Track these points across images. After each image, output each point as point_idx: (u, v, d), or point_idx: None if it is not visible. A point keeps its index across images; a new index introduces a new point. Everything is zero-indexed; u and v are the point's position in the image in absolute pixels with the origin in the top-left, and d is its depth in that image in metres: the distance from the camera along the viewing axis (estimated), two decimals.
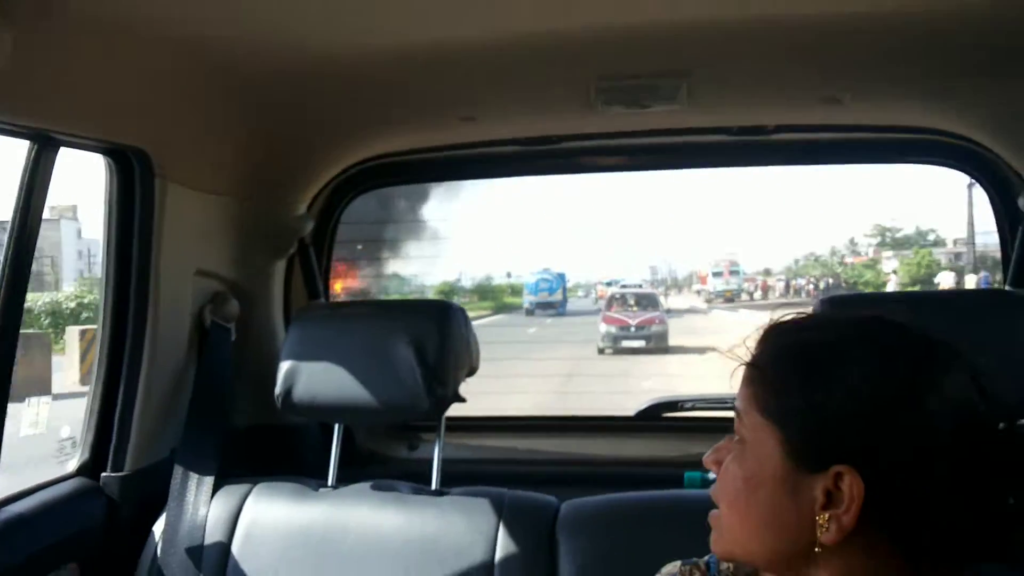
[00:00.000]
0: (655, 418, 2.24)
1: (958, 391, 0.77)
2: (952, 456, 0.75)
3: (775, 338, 0.86)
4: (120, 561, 1.57)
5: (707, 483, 1.27)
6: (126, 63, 1.38)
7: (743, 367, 0.87)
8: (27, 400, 1.85)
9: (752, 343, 0.87)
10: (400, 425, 2.23)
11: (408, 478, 1.63)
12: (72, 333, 8.14)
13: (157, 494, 1.61)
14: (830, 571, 0.79)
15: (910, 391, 0.76)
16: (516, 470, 2.01)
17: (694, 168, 2.21)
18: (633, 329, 14.23)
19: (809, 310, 1.18)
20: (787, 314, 0.89)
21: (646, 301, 15.23)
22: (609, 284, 18.23)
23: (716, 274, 22.11)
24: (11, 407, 1.40)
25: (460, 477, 1.62)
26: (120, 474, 1.61)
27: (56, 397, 3.01)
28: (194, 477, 1.62)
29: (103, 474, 1.61)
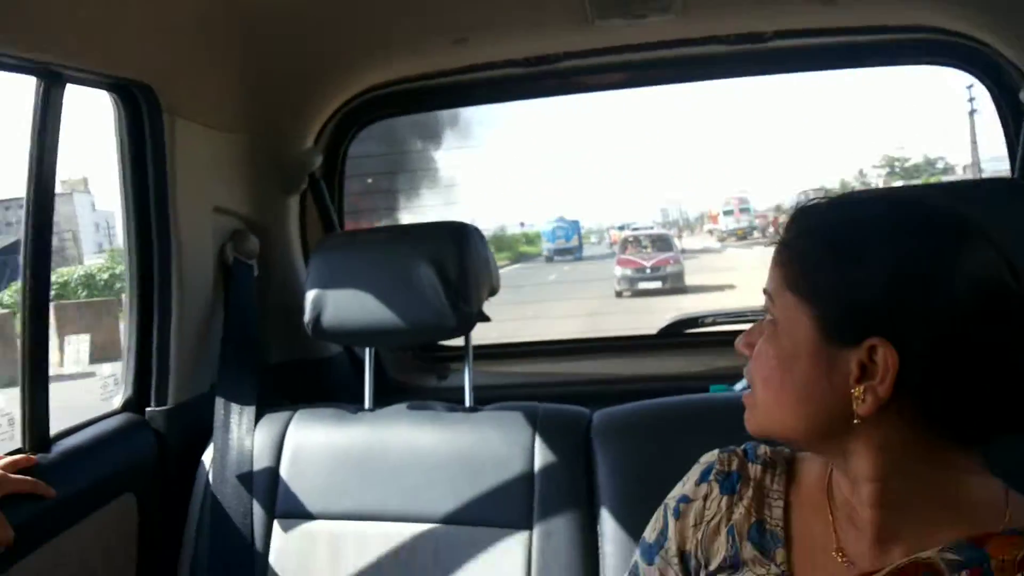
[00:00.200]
0: (677, 335, 2.29)
1: (988, 265, 0.78)
2: (982, 328, 0.76)
3: (804, 219, 0.87)
4: (173, 491, 1.64)
5: None
6: None
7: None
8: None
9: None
10: (429, 356, 2.28)
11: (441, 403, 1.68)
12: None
13: (201, 426, 1.67)
14: (866, 442, 0.81)
15: (941, 263, 0.77)
16: (544, 391, 2.03)
17: (692, 81, 2.20)
18: (648, 270, 14.21)
19: None
20: (815, 197, 0.90)
21: (660, 242, 15.17)
22: (621, 228, 18.19)
23: (727, 213, 21.92)
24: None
25: (491, 401, 1.66)
26: (164, 408, 1.67)
27: None
28: (236, 408, 1.67)
29: (148, 409, 1.67)
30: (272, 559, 1.55)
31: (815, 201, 0.89)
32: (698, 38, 1.92)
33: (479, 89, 2.19)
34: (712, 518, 0.96)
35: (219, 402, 1.68)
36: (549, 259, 19.24)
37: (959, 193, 1.62)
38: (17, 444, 1.45)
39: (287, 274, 2.03)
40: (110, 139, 1.65)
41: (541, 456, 1.50)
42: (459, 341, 1.74)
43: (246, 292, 1.84)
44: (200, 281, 1.75)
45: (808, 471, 0.95)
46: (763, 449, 0.98)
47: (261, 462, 1.60)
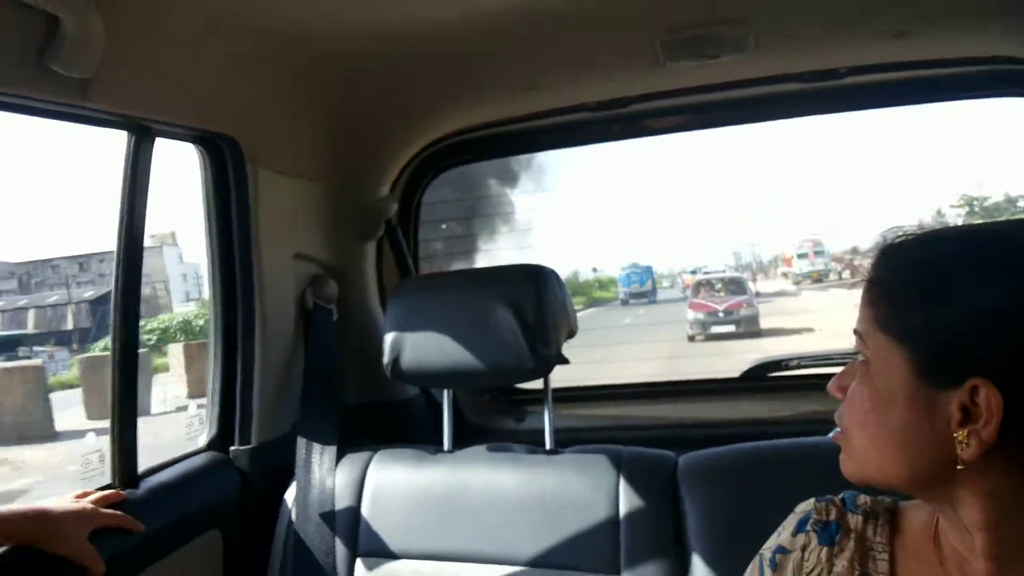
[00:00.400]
0: (761, 378, 2.22)
1: None
2: None
3: (892, 255, 0.84)
4: (256, 528, 1.67)
5: None
6: (213, 51, 1.47)
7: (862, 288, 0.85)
8: None
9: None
10: (507, 399, 2.28)
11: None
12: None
13: (283, 465, 1.71)
14: (974, 489, 0.77)
15: None
16: (625, 435, 2.00)
17: (763, 121, 2.17)
18: (721, 314, 13.94)
19: None
20: (900, 234, 0.86)
21: (733, 285, 14.92)
22: (693, 272, 18.10)
23: (801, 256, 21.50)
24: None
25: (570, 443, 1.64)
26: (247, 447, 1.71)
27: None
28: (317, 448, 1.70)
29: (231, 448, 1.71)
30: None
31: (902, 237, 0.85)
32: (771, 76, 1.90)
33: (549, 134, 2.21)
34: (812, 570, 0.91)
35: (301, 442, 1.71)
36: (624, 302, 19.76)
37: None
38: None
39: (365, 318, 2.07)
40: (195, 193, 1.72)
41: (627, 500, 1.47)
42: (537, 384, 1.73)
43: (325, 335, 1.87)
44: (282, 325, 1.80)
45: (913, 520, 0.90)
46: (863, 499, 0.94)
47: (343, 501, 1.62)
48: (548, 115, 2.04)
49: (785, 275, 22.24)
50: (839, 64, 1.86)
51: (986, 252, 0.78)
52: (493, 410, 2.26)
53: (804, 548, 0.93)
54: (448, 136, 2.09)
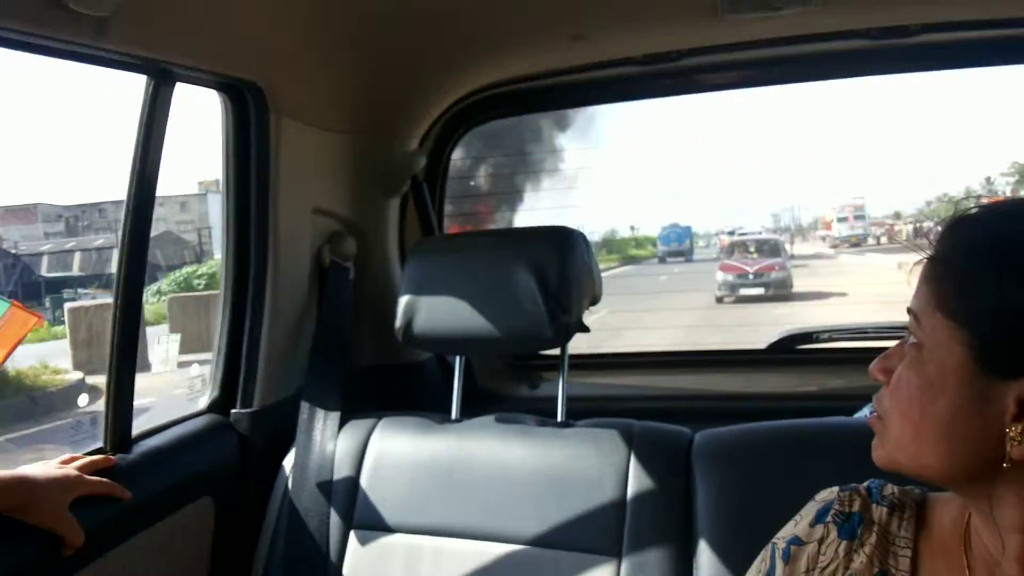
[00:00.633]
0: (789, 351, 2.12)
1: None
2: None
3: (963, 230, 0.77)
4: (252, 495, 1.61)
5: None
6: None
7: (922, 263, 0.78)
8: None
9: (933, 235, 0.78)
10: (521, 364, 2.21)
11: (531, 414, 1.59)
12: None
13: (285, 430, 1.64)
14: (1017, 489, 0.72)
15: None
16: (642, 406, 1.93)
17: (825, 79, 2.01)
18: (751, 276, 13.70)
19: None
20: (974, 205, 0.79)
21: (767, 247, 14.67)
22: (731, 233, 18.01)
23: (841, 219, 21.19)
24: None
25: (584, 414, 1.57)
26: (249, 410, 1.64)
27: None
28: (320, 413, 1.63)
29: (233, 410, 1.65)
30: (346, 571, 1.50)
31: (974, 209, 0.78)
32: (837, 32, 1.74)
33: (594, 89, 2.08)
34: (827, 565, 0.85)
35: (304, 406, 1.65)
36: (662, 260, 20.18)
37: None
38: None
39: (383, 277, 1.98)
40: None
41: (636, 478, 1.39)
42: (554, 350, 1.65)
43: (341, 295, 1.80)
44: (295, 282, 1.72)
45: (942, 515, 0.85)
46: (890, 488, 0.89)
47: (342, 470, 1.56)
48: (593, 68, 1.90)
49: (823, 238, 21.98)
50: (912, 20, 1.70)
51: None
52: (508, 376, 2.19)
53: (822, 540, 0.87)
54: (484, 89, 1.95)
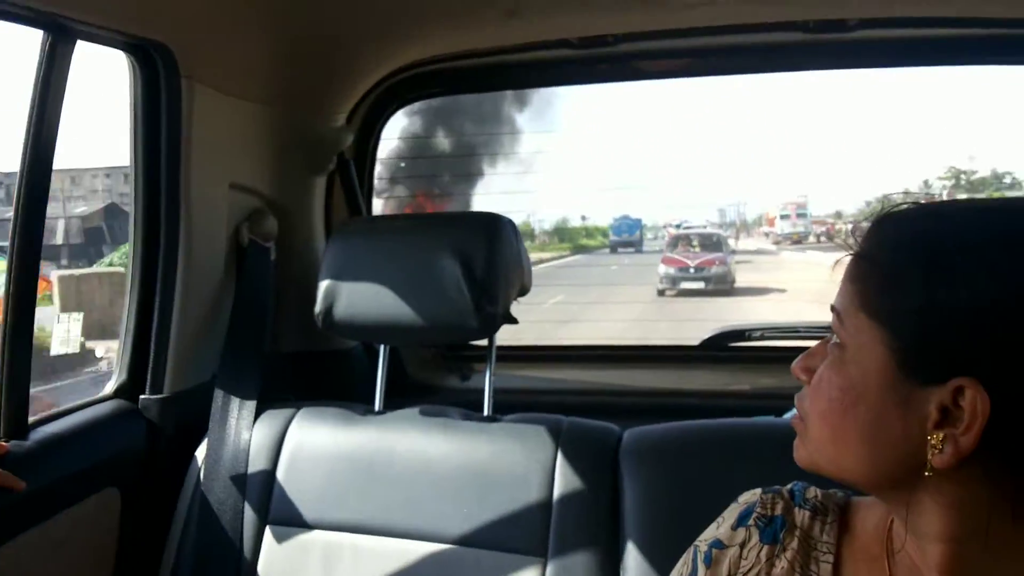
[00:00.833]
0: (721, 348, 2.10)
1: None
2: None
3: (889, 228, 0.73)
4: (162, 487, 1.53)
5: None
6: None
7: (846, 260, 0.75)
8: None
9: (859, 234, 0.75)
10: (452, 355, 2.15)
11: (460, 407, 1.54)
12: None
13: (198, 419, 1.56)
14: (936, 497, 0.69)
15: None
16: (572, 400, 1.91)
17: (760, 72, 1.99)
18: (692, 270, 13.87)
19: None
20: (902, 202, 0.76)
21: (708, 242, 14.84)
22: (678, 227, 18.34)
23: (783, 217, 21.67)
24: None
25: (513, 407, 1.52)
26: (159, 396, 1.55)
27: None
28: (235, 401, 1.56)
29: (141, 396, 1.55)
30: (261, 568, 1.43)
31: (903, 207, 0.75)
32: (776, 23, 1.71)
33: (528, 70, 2.02)
34: (749, 570, 0.83)
35: (218, 393, 1.57)
36: (613, 250, 20.87)
37: None
38: None
39: (306, 259, 1.89)
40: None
41: (562, 476, 1.36)
42: (484, 340, 1.60)
43: (260, 276, 1.71)
44: (210, 261, 1.63)
45: (864, 519, 0.82)
46: (813, 492, 0.86)
47: (257, 462, 1.48)
48: (527, 49, 1.84)
49: (767, 235, 22.46)
50: (850, 15, 1.68)
51: (1004, 231, 0.69)
52: (437, 366, 2.13)
53: (743, 545, 0.85)
54: (414, 65, 1.88)
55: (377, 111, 2.00)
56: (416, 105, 2.10)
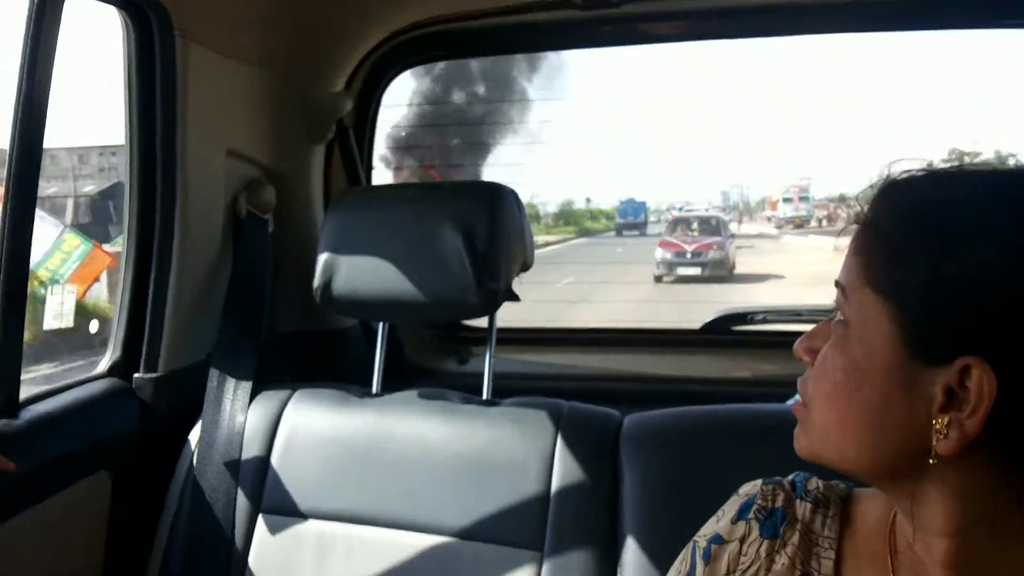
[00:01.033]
0: (723, 332, 2.07)
1: None
2: None
3: (896, 196, 0.70)
4: (154, 471, 1.48)
5: None
6: None
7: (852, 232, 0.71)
8: None
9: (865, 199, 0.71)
10: (450, 336, 2.11)
11: (458, 391, 1.50)
12: None
13: (192, 400, 1.51)
14: (941, 487, 0.66)
15: None
16: (572, 386, 1.86)
17: (766, 35, 1.91)
18: (689, 255, 13.68)
19: None
20: (909, 169, 0.71)
21: (707, 226, 14.67)
22: (680, 209, 18.33)
23: (786, 200, 21.60)
24: None
25: (513, 391, 1.49)
26: (153, 375, 1.50)
27: None
28: (231, 381, 1.50)
29: (135, 375, 1.50)
30: (252, 558, 1.38)
31: (911, 173, 0.71)
32: None
33: (531, 33, 1.95)
34: (749, 567, 0.80)
35: (213, 373, 1.51)
36: (618, 232, 20.80)
37: None
38: None
39: (305, 232, 1.83)
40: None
41: (562, 463, 1.32)
42: (483, 322, 1.56)
43: (258, 249, 1.65)
44: (206, 233, 1.57)
45: (866, 513, 0.80)
46: (815, 483, 0.83)
47: (251, 445, 1.44)
48: (531, 9, 1.77)
49: (769, 218, 22.41)
50: None
51: (1008, 201, 0.65)
52: (436, 348, 2.09)
53: (743, 539, 0.82)
54: (415, 26, 1.82)
55: (377, 75, 1.94)
56: (420, 70, 2.05)
